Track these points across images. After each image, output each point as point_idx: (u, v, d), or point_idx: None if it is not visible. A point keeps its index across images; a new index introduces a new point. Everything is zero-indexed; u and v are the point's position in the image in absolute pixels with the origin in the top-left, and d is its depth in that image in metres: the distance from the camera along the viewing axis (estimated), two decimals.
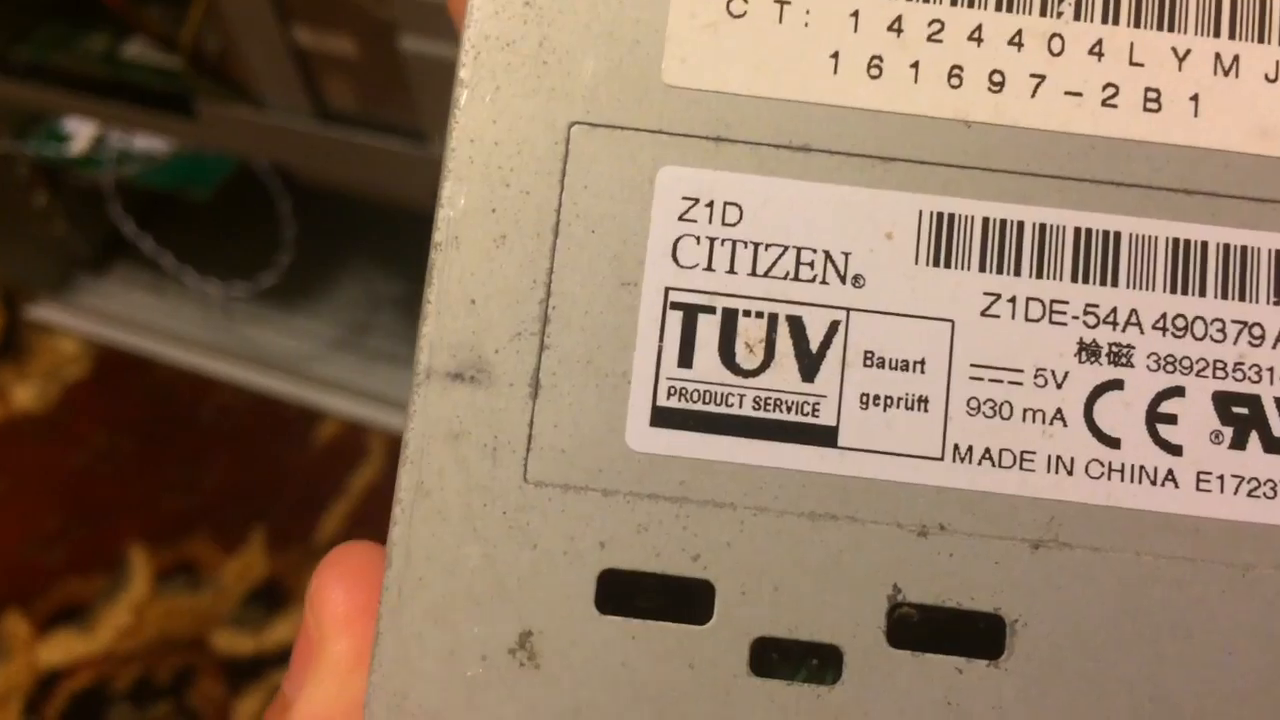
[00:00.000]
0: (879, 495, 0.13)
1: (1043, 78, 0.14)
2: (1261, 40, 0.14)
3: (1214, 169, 0.14)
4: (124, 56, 0.58)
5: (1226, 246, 0.13)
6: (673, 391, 0.14)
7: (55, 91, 0.58)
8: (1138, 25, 0.14)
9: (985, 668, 0.13)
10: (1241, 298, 0.13)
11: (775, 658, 0.13)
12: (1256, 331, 0.13)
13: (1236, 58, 0.14)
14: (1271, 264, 0.13)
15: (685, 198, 0.14)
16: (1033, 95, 0.14)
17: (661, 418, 0.14)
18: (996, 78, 0.14)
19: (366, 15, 0.45)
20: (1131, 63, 0.14)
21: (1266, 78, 0.14)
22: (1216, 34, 0.14)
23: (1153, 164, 0.14)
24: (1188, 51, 0.14)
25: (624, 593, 0.13)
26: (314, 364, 0.70)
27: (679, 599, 0.13)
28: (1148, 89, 0.14)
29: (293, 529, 0.65)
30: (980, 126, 0.14)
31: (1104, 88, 0.14)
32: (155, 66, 0.57)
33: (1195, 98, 0.14)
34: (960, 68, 0.14)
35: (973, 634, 0.13)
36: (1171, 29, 0.14)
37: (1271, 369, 0.13)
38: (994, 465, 0.13)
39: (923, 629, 0.13)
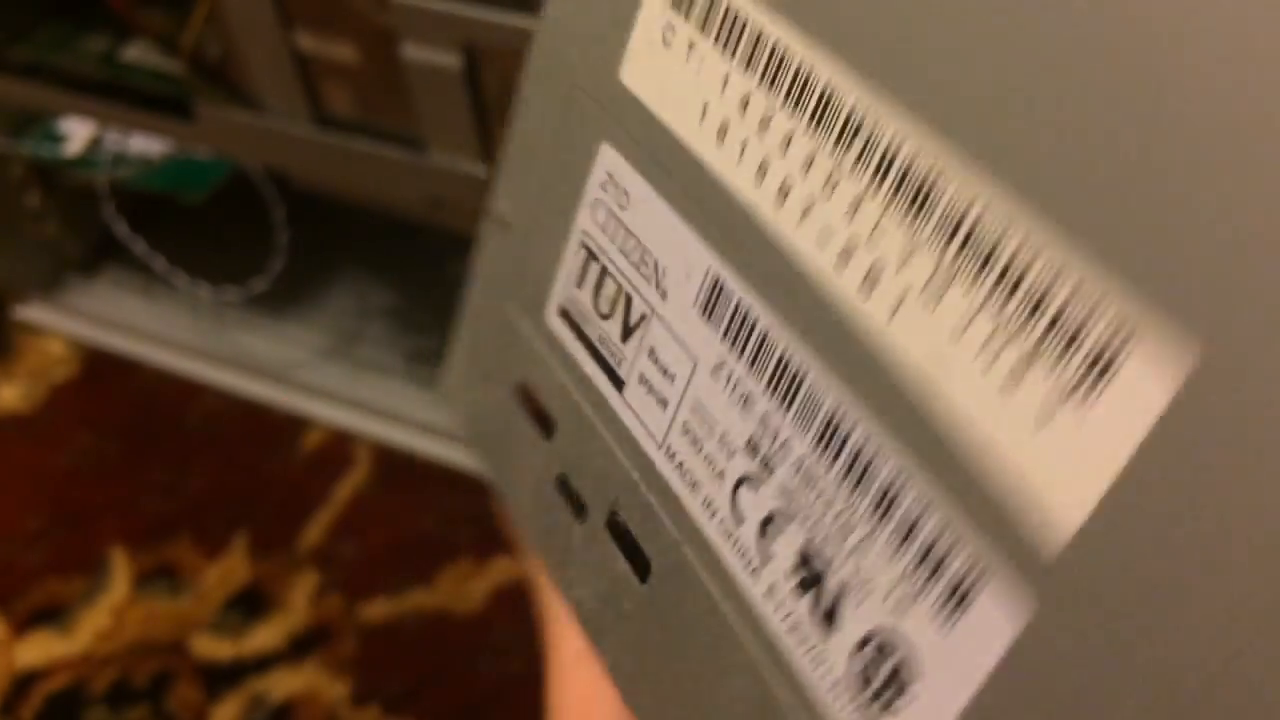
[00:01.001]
0: (624, 437, 0.17)
1: (809, 207, 0.14)
2: (975, 282, 0.12)
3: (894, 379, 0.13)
4: (123, 59, 0.58)
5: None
6: (566, 300, 0.19)
7: (53, 90, 0.58)
8: (891, 204, 0.13)
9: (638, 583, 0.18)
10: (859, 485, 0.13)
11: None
12: (863, 516, 0.13)
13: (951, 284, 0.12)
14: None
15: (607, 172, 0.17)
16: (800, 217, 0.14)
17: (560, 313, 0.19)
18: (784, 188, 0.14)
19: (368, 22, 0.46)
20: (870, 238, 0.13)
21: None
22: (948, 242, 0.12)
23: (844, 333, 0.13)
24: (911, 254, 0.12)
25: None
26: (302, 371, 0.70)
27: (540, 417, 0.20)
28: (870, 269, 0.13)
29: (275, 535, 0.65)
30: (763, 223, 0.15)
31: (843, 248, 0.13)
32: (154, 69, 0.57)
33: (898, 304, 0.13)
34: (766, 165, 0.14)
35: (635, 555, 0.17)
36: (916, 219, 0.13)
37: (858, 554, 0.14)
38: (680, 472, 0.16)
39: (622, 535, 0.18)
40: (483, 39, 0.43)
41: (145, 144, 0.66)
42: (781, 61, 0.14)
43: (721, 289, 0.15)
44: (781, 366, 0.14)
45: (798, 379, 0.14)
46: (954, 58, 0.12)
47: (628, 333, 0.17)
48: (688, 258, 0.16)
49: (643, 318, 0.17)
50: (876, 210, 0.13)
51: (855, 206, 0.13)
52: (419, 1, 0.43)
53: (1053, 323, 0.11)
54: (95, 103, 0.57)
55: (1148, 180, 0.10)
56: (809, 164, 0.14)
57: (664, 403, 0.16)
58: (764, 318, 0.14)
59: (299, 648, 0.61)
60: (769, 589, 0.14)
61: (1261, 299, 0.09)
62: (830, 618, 0.13)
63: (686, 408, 0.16)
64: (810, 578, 0.14)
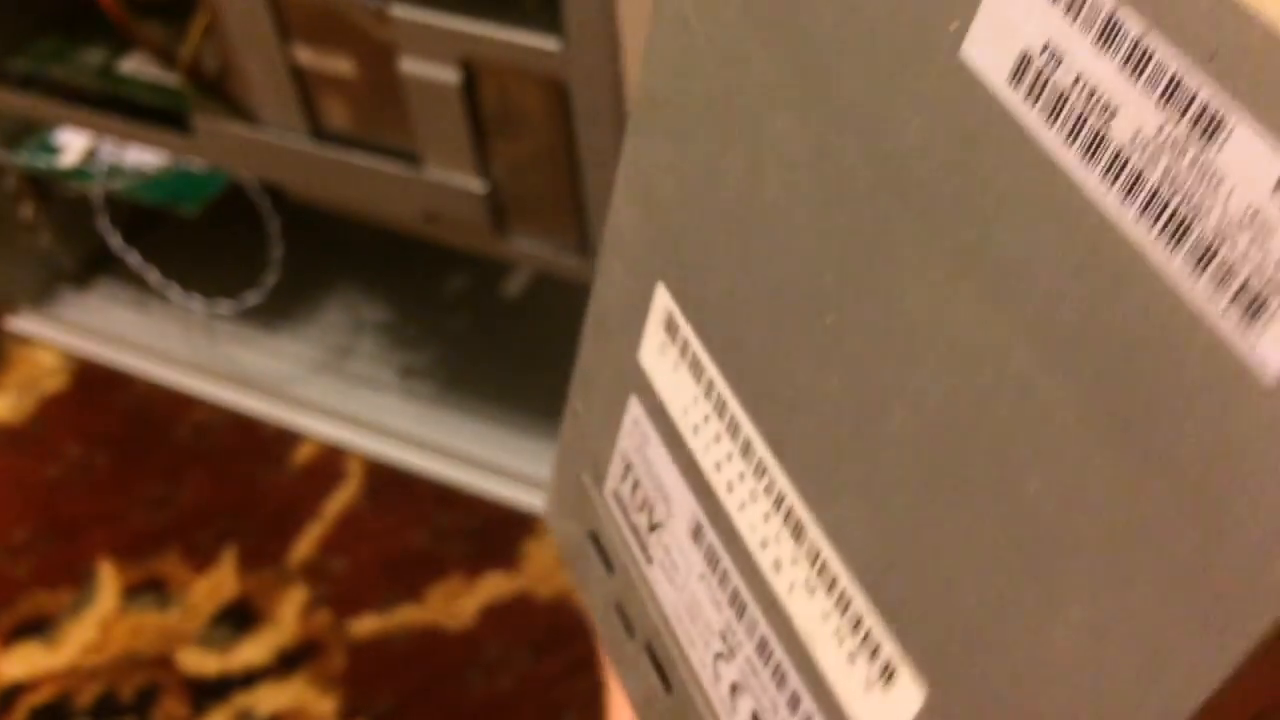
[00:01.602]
0: (652, 596, 0.22)
1: (743, 503, 0.18)
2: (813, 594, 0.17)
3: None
4: (120, 71, 0.59)
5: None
6: (614, 487, 0.23)
7: (50, 101, 0.58)
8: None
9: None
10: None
11: None
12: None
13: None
14: None
15: (634, 418, 0.22)
16: (739, 508, 0.19)
17: (611, 494, 0.23)
18: (730, 484, 0.19)
19: (367, 36, 0.46)
20: (775, 539, 0.18)
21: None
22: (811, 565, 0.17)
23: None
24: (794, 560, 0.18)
25: None
26: (294, 385, 0.70)
27: None
28: (776, 559, 0.18)
29: (265, 550, 0.65)
30: (719, 497, 0.19)
31: (761, 539, 0.18)
32: (151, 82, 0.57)
33: (790, 588, 0.18)
34: (720, 465, 0.19)
35: (663, 674, 0.22)
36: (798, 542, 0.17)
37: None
38: (684, 635, 0.21)
39: (655, 658, 0.22)
40: (481, 55, 0.44)
41: (141, 156, 0.66)
42: (724, 406, 0.18)
43: (700, 527, 0.19)
44: (734, 593, 0.19)
45: (745, 605, 0.18)
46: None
47: (652, 528, 0.21)
48: (680, 496, 0.20)
49: (659, 524, 0.20)
50: (777, 524, 0.18)
51: (765, 517, 0.18)
52: (418, 16, 0.43)
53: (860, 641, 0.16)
54: (92, 114, 0.57)
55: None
56: (740, 476, 0.18)
57: (673, 584, 0.20)
58: (724, 559, 0.19)
59: (287, 663, 0.61)
60: None
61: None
62: None
63: (686, 594, 0.20)
64: None
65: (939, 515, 0.14)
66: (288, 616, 0.62)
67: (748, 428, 0.17)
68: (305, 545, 0.65)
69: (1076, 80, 0.12)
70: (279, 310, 0.71)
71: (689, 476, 0.19)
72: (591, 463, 0.22)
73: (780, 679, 0.18)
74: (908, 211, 0.14)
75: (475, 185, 0.48)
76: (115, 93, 0.58)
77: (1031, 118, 0.12)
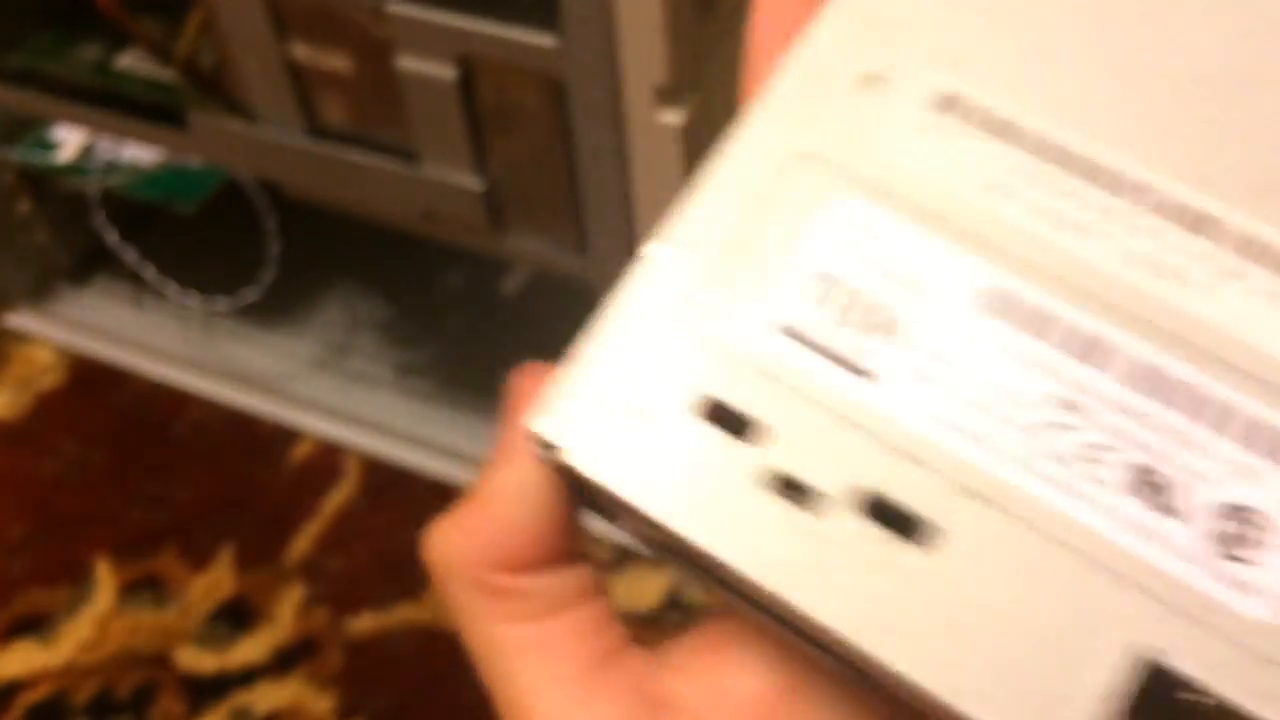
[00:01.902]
0: (884, 423, 0.18)
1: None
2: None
3: None
4: (117, 67, 0.58)
5: None
6: (785, 317, 0.19)
7: (46, 97, 0.58)
8: None
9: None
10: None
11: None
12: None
13: None
14: None
15: (843, 215, 0.19)
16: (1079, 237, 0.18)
17: (778, 329, 0.19)
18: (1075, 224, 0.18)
19: (364, 33, 0.46)
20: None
21: None
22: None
23: None
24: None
25: None
26: (292, 383, 0.70)
27: None
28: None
29: (262, 548, 0.65)
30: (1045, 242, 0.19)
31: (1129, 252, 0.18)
32: (148, 78, 0.57)
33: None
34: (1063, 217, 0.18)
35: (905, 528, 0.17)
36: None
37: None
38: (973, 438, 0.17)
39: (888, 513, 0.17)
40: (478, 52, 0.43)
41: (137, 153, 0.66)
42: (1067, 154, 0.18)
43: (1004, 295, 0.17)
44: (1089, 342, 0.17)
45: (1111, 349, 0.17)
46: None
47: (883, 334, 0.17)
48: (953, 274, 0.17)
49: (903, 322, 0.17)
50: (1177, 233, 0.17)
51: (1152, 233, 0.17)
52: (416, 13, 0.43)
53: None
54: (88, 110, 0.57)
55: None
56: (1106, 210, 0.18)
57: (938, 386, 0.17)
58: (1062, 316, 0.17)
59: (284, 661, 0.61)
60: (1094, 504, 0.16)
61: None
62: (1169, 507, 0.16)
63: (971, 387, 0.17)
64: (1144, 483, 0.16)
65: None
66: (285, 615, 0.62)
67: (1109, 158, 0.18)
68: (302, 543, 0.65)
69: None
70: (276, 307, 0.71)
71: (977, 245, 0.18)
72: (724, 310, 0.18)
73: (1183, 398, 0.17)
74: None
75: (472, 183, 0.48)
76: (111, 89, 0.57)
77: None
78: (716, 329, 0.18)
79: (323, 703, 0.59)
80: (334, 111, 0.50)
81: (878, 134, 0.18)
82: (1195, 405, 0.16)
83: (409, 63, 0.45)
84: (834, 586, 0.16)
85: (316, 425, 0.68)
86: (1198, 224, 0.17)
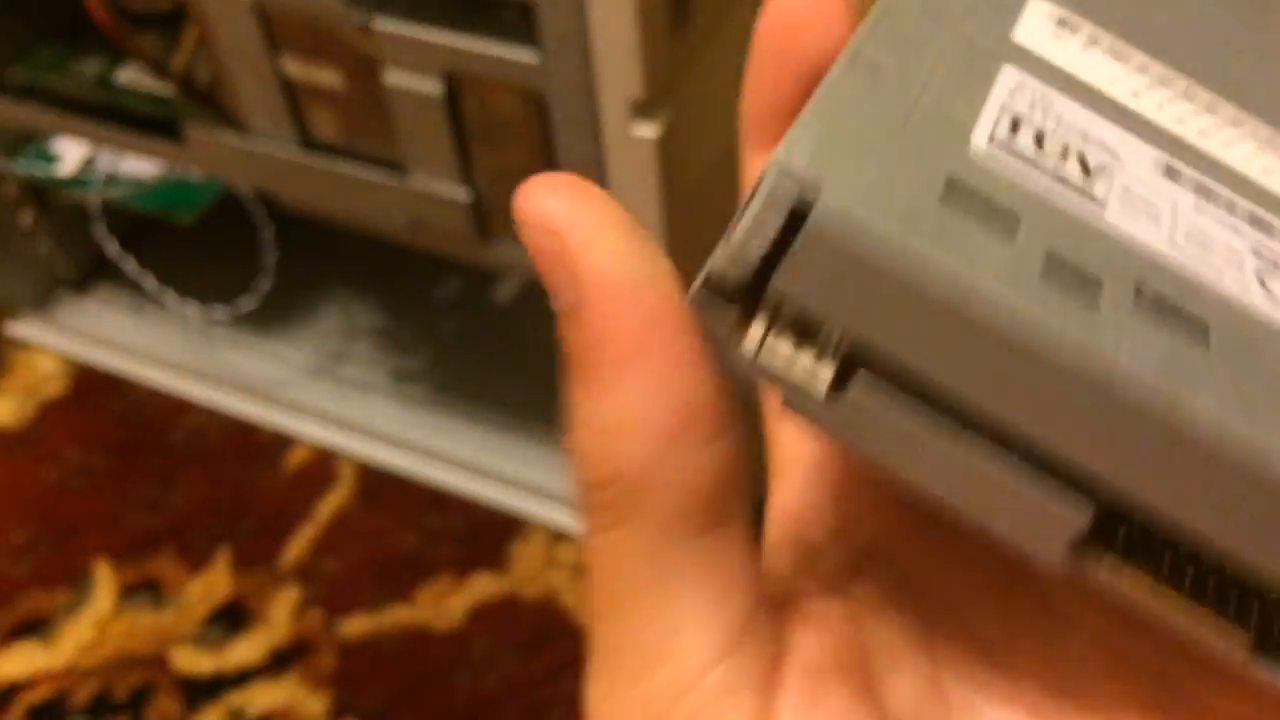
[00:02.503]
0: (1123, 236, 0.17)
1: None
2: None
3: None
4: (117, 82, 0.60)
5: None
6: (996, 137, 0.18)
7: (47, 111, 0.59)
8: None
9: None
10: None
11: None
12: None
13: None
14: None
15: (1021, 83, 0.19)
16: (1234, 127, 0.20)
17: (994, 141, 0.18)
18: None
19: (353, 49, 0.47)
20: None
21: None
22: None
23: None
24: None
25: None
26: (288, 390, 0.71)
27: None
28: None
29: (258, 551, 0.66)
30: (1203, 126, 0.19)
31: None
32: (147, 93, 0.58)
33: None
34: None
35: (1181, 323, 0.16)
36: None
37: None
38: (1199, 259, 0.17)
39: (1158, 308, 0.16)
40: (463, 67, 0.45)
41: (137, 165, 0.68)
42: (1169, 79, 0.19)
43: (1174, 168, 0.18)
44: (1251, 215, 0.18)
45: (1265, 221, 0.17)
46: None
47: (1089, 172, 0.16)
48: (1129, 145, 0.18)
49: (1103, 167, 0.17)
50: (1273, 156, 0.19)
51: (1256, 151, 0.19)
52: (403, 30, 0.45)
53: None
54: (88, 123, 0.59)
55: None
56: (1211, 126, 0.19)
57: (1155, 220, 0.16)
58: (1221, 191, 0.18)
59: (279, 662, 0.62)
60: None
61: None
62: None
63: (1181, 225, 0.16)
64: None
65: None
66: (280, 617, 0.63)
67: (1205, 95, 0.19)
68: (297, 547, 0.66)
69: None
70: (273, 316, 0.73)
71: (1136, 129, 0.18)
72: (934, 125, 0.16)
73: None
74: None
75: (459, 194, 0.49)
76: (112, 103, 0.59)
77: None
78: (935, 136, 0.16)
79: (316, 703, 0.60)
80: (325, 125, 0.51)
81: (1021, 34, 0.19)
82: None
83: (396, 78, 0.46)
84: (1122, 349, 0.14)
85: (312, 431, 0.70)
86: None
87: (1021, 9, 0.19)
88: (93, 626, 0.64)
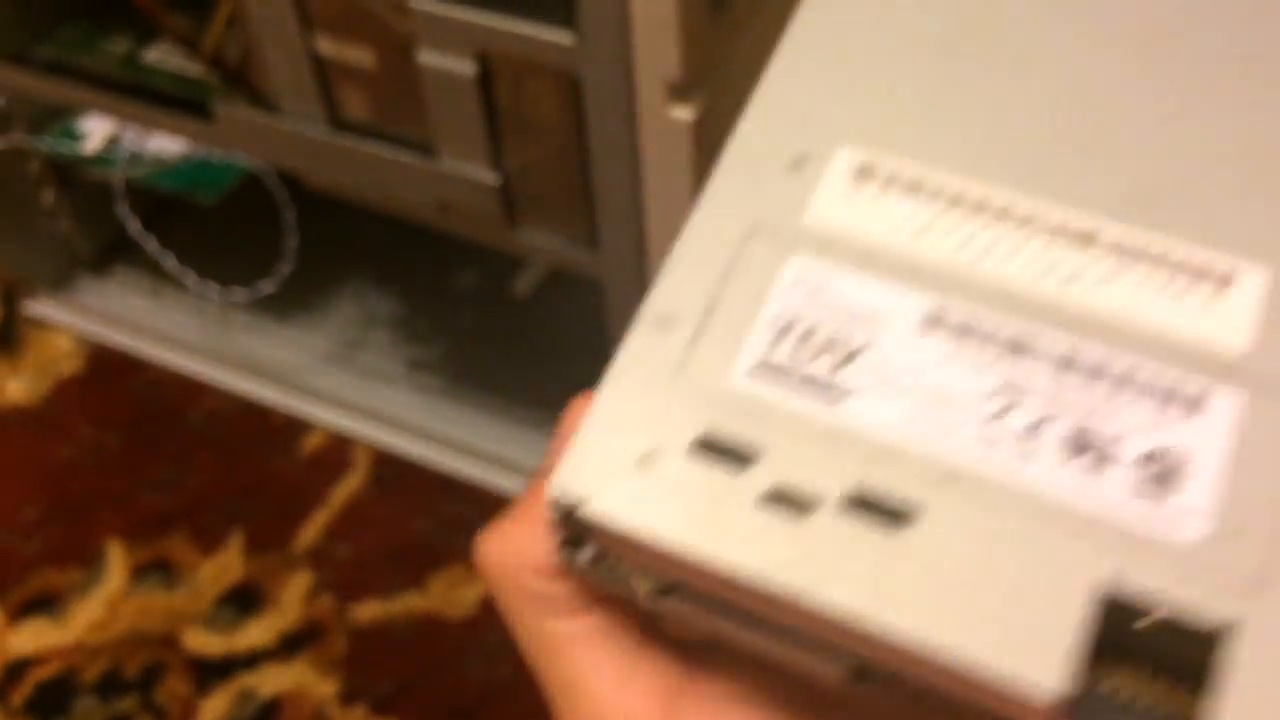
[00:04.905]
0: (856, 432, 0.20)
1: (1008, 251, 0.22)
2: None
3: None
4: (144, 60, 0.60)
5: None
6: (757, 360, 0.22)
7: (74, 87, 0.59)
8: None
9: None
10: None
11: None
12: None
13: None
14: None
15: (798, 272, 0.22)
16: (1006, 260, 0.22)
17: (752, 371, 0.22)
18: (989, 248, 0.22)
19: (387, 28, 0.47)
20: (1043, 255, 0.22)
21: None
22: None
23: None
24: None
25: None
26: (305, 375, 0.71)
27: None
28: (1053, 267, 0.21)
29: (271, 535, 0.66)
30: (967, 272, 0.22)
31: (1038, 262, 0.21)
32: (175, 72, 0.58)
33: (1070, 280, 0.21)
34: (971, 238, 0.22)
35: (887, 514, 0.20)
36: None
37: None
38: (928, 435, 0.20)
39: (870, 504, 0.20)
40: (497, 48, 0.45)
41: (161, 144, 0.68)
42: (961, 196, 0.22)
43: (937, 315, 0.20)
44: (1010, 341, 0.20)
45: (1026, 343, 0.20)
46: None
47: (846, 361, 0.20)
48: (894, 305, 0.21)
49: (858, 351, 0.20)
50: (1061, 246, 0.21)
51: (1044, 248, 0.21)
52: (438, 9, 0.45)
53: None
54: (116, 99, 0.59)
55: None
56: (998, 237, 0.21)
57: (898, 396, 0.20)
58: (983, 322, 0.20)
59: (290, 645, 0.62)
60: (1042, 471, 0.19)
61: None
62: (1102, 461, 0.19)
63: (922, 393, 0.20)
64: (1079, 446, 0.19)
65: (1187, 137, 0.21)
66: (292, 600, 0.63)
67: (1001, 197, 0.21)
68: (311, 531, 0.66)
69: None
70: (292, 301, 0.73)
71: (910, 278, 0.21)
72: (704, 366, 0.21)
73: (1096, 372, 0.20)
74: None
75: (488, 177, 0.49)
76: (139, 82, 0.59)
77: None
78: (701, 380, 0.21)
79: (326, 687, 0.60)
80: (355, 105, 0.51)
81: (813, 205, 0.22)
82: (1109, 376, 0.20)
83: (430, 58, 0.46)
84: (835, 573, 0.19)
85: (328, 417, 0.70)
86: (1081, 239, 0.21)
87: (822, 173, 0.22)
88: (104, 605, 0.64)
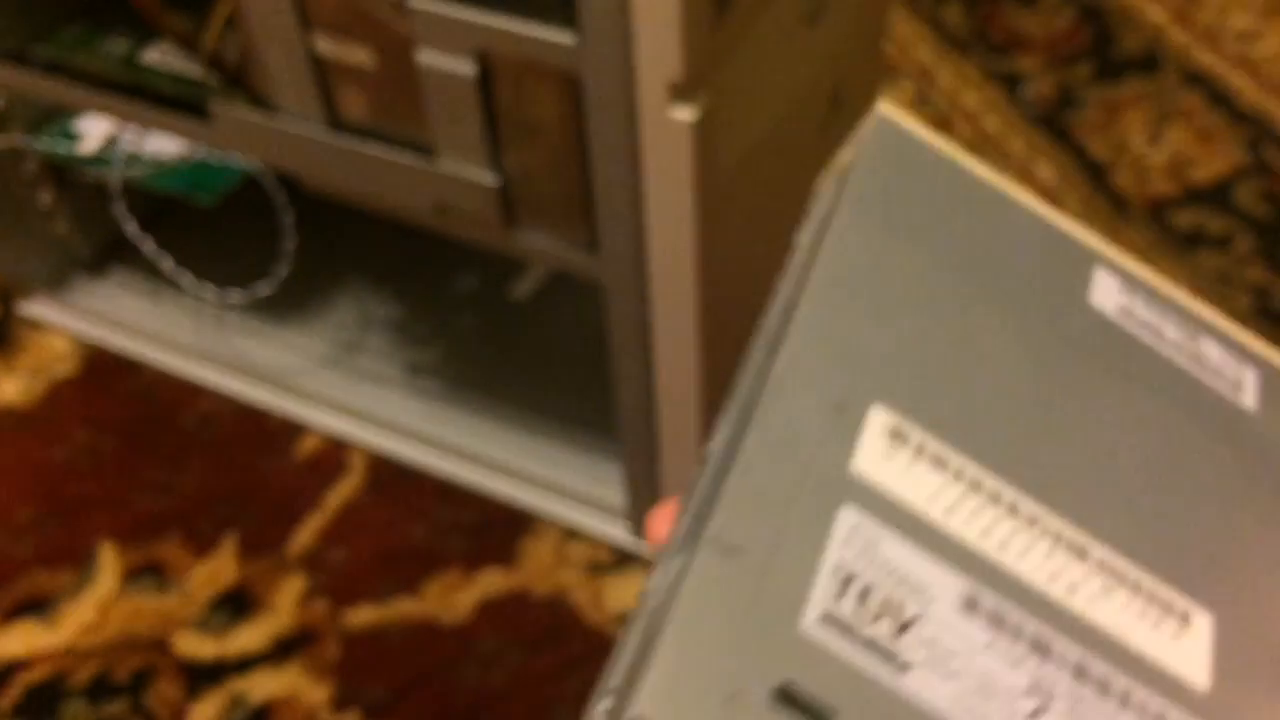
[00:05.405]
0: (913, 706, 0.21)
1: (1023, 550, 0.23)
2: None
3: None
4: (143, 61, 0.60)
5: None
6: (824, 611, 0.22)
7: (73, 87, 0.59)
8: None
9: None
10: None
11: None
12: None
13: None
14: None
15: (852, 526, 0.22)
16: (1017, 557, 0.22)
17: (822, 620, 0.22)
18: (1003, 543, 0.23)
19: (386, 28, 0.47)
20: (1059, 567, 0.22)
21: None
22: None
23: None
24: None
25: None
26: (301, 378, 0.71)
27: None
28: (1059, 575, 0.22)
29: (265, 538, 0.65)
30: (995, 560, 0.23)
31: (1043, 567, 0.22)
32: (173, 73, 0.58)
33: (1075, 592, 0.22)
34: (989, 531, 0.23)
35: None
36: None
37: None
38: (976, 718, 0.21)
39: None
40: (497, 48, 0.44)
41: (159, 145, 0.67)
42: (980, 483, 0.23)
43: (973, 598, 0.21)
44: (1034, 639, 0.21)
45: (1048, 644, 0.21)
46: None
47: (902, 630, 0.21)
48: (938, 579, 0.21)
49: (912, 620, 0.21)
50: (1061, 555, 0.22)
51: (1046, 554, 0.22)
52: (437, 9, 0.44)
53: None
54: (115, 99, 0.58)
55: None
56: (1013, 532, 0.22)
57: (949, 675, 0.20)
58: (1012, 613, 0.21)
59: (282, 650, 0.61)
60: None
61: None
62: None
63: (970, 677, 0.20)
64: None
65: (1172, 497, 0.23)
66: (285, 604, 0.63)
67: (1009, 494, 0.23)
68: (305, 535, 0.65)
69: None
70: (289, 303, 0.72)
71: (946, 556, 0.22)
72: (775, 605, 0.21)
73: (1104, 687, 0.21)
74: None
75: (486, 178, 0.49)
76: (137, 82, 0.58)
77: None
78: (775, 622, 0.21)
79: (319, 692, 0.59)
80: (354, 105, 0.51)
81: (857, 455, 0.22)
82: (1114, 694, 0.21)
83: (429, 58, 0.46)
84: None
85: (324, 420, 0.69)
86: (1077, 550, 0.22)
87: (862, 425, 0.23)
88: (95, 608, 0.63)
